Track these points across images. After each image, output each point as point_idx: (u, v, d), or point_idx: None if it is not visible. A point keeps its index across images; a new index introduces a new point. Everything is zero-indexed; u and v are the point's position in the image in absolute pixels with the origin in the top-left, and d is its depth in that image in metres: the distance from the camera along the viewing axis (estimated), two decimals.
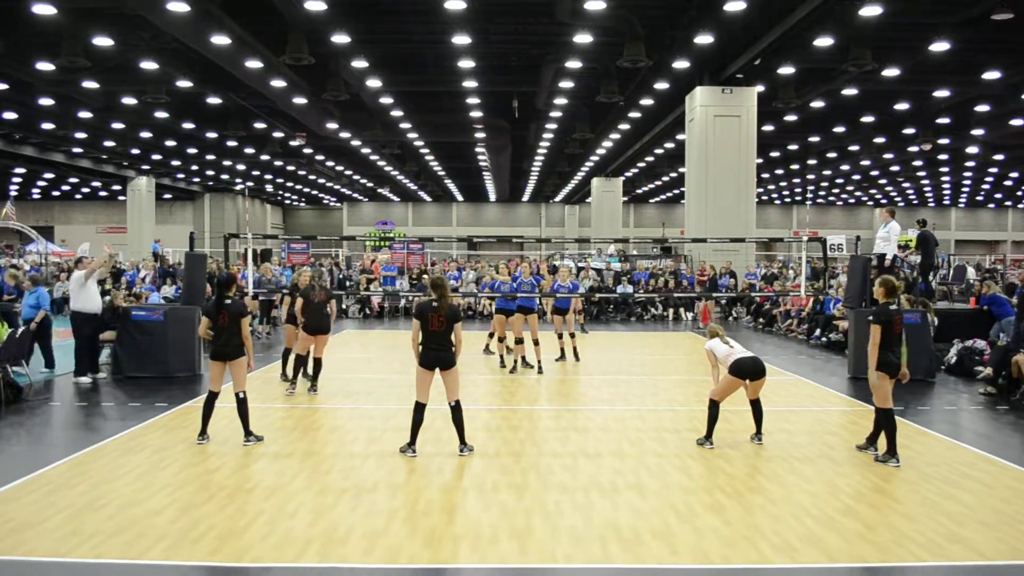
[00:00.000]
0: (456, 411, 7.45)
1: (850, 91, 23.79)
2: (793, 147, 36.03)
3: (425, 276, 23.59)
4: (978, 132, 29.27)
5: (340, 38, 18.18)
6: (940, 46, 18.19)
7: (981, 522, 5.76)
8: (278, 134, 31.84)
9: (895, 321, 7.34)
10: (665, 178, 45.59)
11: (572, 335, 13.84)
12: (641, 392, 11.01)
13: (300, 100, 23.61)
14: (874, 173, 44.23)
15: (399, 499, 6.21)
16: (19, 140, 32.96)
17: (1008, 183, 49.53)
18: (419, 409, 7.41)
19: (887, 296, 7.48)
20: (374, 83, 22.66)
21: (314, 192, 57.69)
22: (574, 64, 20.66)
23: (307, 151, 36.85)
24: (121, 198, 48.94)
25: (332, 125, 28.45)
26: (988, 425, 9.19)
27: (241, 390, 7.83)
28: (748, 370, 7.76)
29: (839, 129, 31.05)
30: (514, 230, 58.94)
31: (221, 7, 16.22)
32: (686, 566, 4.98)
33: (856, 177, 46.57)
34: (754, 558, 5.08)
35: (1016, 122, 27.89)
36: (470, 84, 23.12)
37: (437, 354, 7.35)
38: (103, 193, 52.81)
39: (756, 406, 8.08)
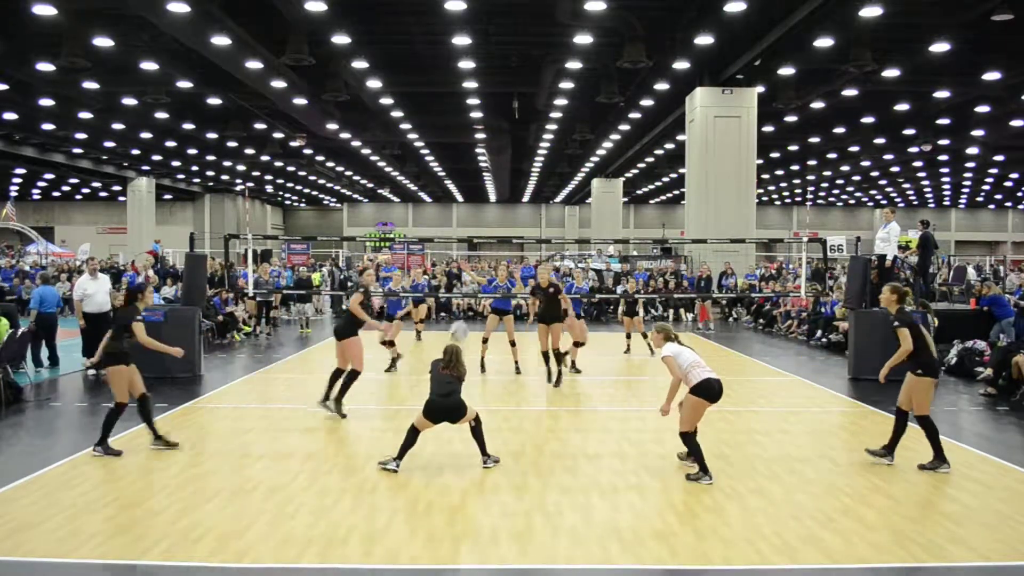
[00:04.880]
0: (475, 428, 7.07)
1: (850, 92, 23.79)
2: (793, 148, 36.03)
3: (425, 275, 23.58)
4: (978, 133, 29.29)
5: (340, 38, 18.19)
6: (940, 47, 18.20)
7: (981, 523, 5.76)
8: (278, 135, 31.85)
9: (917, 324, 7.13)
10: (665, 179, 45.61)
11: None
12: (641, 392, 11.00)
13: (300, 100, 23.62)
14: (874, 174, 44.26)
15: (399, 500, 6.20)
16: (19, 141, 32.98)
17: (1008, 184, 49.56)
18: (414, 432, 6.95)
19: (900, 302, 7.24)
20: (374, 84, 22.67)
21: (314, 193, 57.70)
22: (574, 65, 20.67)
23: (307, 152, 36.86)
24: (121, 199, 48.97)
25: (332, 126, 28.46)
26: (988, 426, 9.18)
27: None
28: (717, 393, 6.67)
29: (839, 130, 31.06)
30: (514, 231, 58.95)
31: (221, 7, 16.22)
32: (686, 567, 4.98)
33: (856, 178, 46.61)
34: (754, 559, 5.08)
35: (1016, 123, 27.91)
36: (470, 85, 23.12)
37: (445, 400, 6.84)
38: (103, 194, 52.82)
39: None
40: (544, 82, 22.62)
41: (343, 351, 9.07)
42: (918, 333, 7.04)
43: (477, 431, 7.07)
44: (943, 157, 37.51)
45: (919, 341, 7.00)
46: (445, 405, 6.85)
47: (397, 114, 27.51)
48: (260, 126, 29.87)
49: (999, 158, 37.05)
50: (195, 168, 43.21)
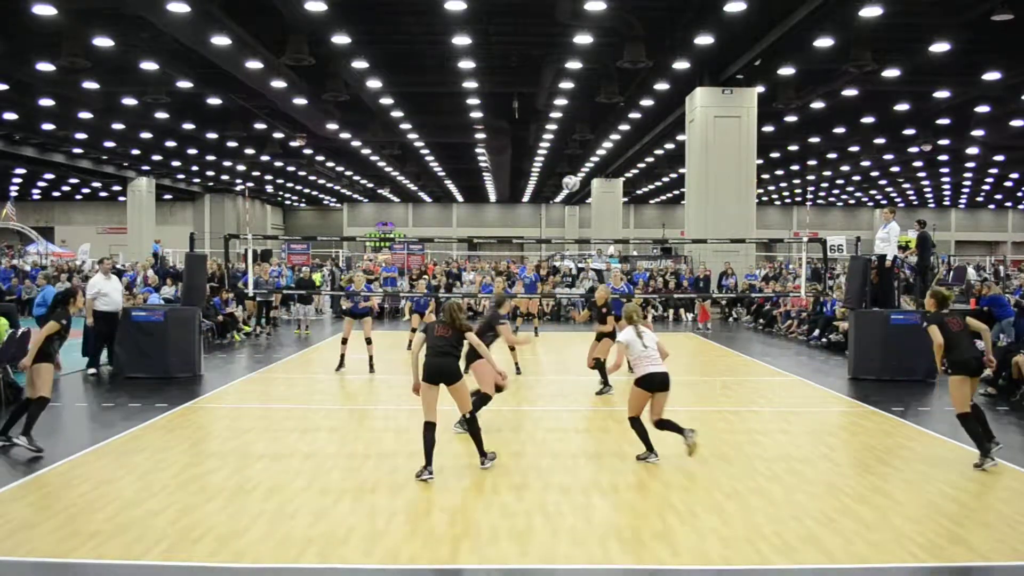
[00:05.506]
0: (471, 424, 7.03)
1: (850, 92, 23.80)
2: (793, 148, 36.04)
3: (425, 276, 23.59)
4: (978, 133, 29.29)
5: (340, 38, 18.19)
6: (940, 47, 18.20)
7: (981, 523, 5.76)
8: (278, 135, 31.85)
9: (948, 323, 7.32)
10: (665, 179, 45.62)
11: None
12: None
13: (300, 101, 23.62)
14: (874, 174, 44.26)
15: (399, 500, 6.21)
16: (19, 141, 32.99)
17: (1008, 184, 49.56)
18: (429, 429, 6.78)
19: (936, 306, 7.55)
20: (374, 84, 22.67)
21: (314, 193, 57.71)
22: (574, 65, 20.66)
23: (307, 152, 36.87)
24: (121, 199, 48.97)
25: (332, 126, 28.46)
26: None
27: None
28: (656, 385, 7.06)
29: (839, 130, 31.07)
30: (514, 231, 58.96)
31: (221, 7, 16.22)
32: (686, 567, 4.98)
33: (856, 178, 46.62)
34: (754, 559, 5.08)
35: (1016, 123, 27.92)
36: (470, 85, 23.13)
37: (440, 360, 6.82)
38: (103, 194, 52.83)
39: (664, 425, 7.16)
40: (544, 82, 22.62)
41: (478, 377, 8.40)
42: (947, 331, 7.25)
43: (473, 428, 7.02)
44: (943, 157, 37.51)
45: (949, 339, 7.21)
46: (439, 365, 6.78)
47: (397, 114, 27.51)
48: (260, 126, 29.88)
49: (999, 158, 37.04)
50: (195, 168, 43.21)
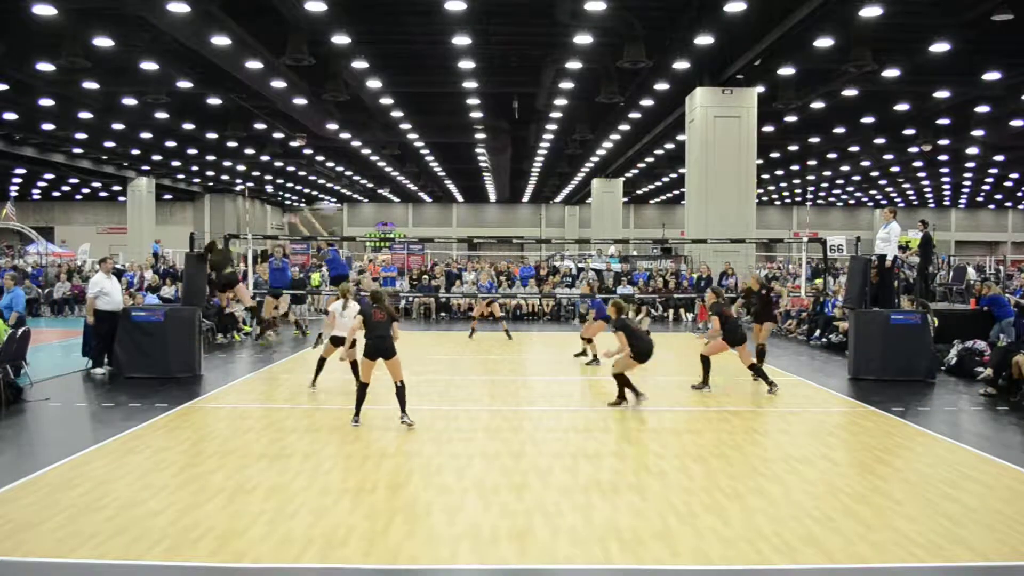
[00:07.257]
0: (400, 390, 8.65)
1: (850, 92, 23.79)
2: (793, 148, 36.03)
3: (425, 276, 23.62)
4: (978, 133, 29.28)
5: (340, 38, 18.19)
6: (940, 47, 18.20)
7: (981, 523, 5.75)
8: (278, 135, 31.84)
9: (629, 326, 9.67)
10: (665, 179, 45.62)
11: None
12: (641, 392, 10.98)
13: (300, 101, 23.62)
14: (874, 174, 44.26)
15: (399, 500, 6.21)
16: (19, 141, 32.97)
17: (1008, 184, 49.56)
18: (362, 388, 8.67)
19: (618, 314, 9.68)
20: (374, 84, 22.67)
21: (314, 193, 57.68)
22: (574, 65, 20.66)
23: (307, 152, 36.85)
24: (121, 199, 48.95)
25: (332, 126, 28.46)
26: (988, 426, 9.18)
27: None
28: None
29: (839, 130, 31.06)
30: (514, 231, 58.96)
31: (221, 7, 16.22)
32: (686, 567, 4.98)
33: (856, 178, 46.62)
34: (754, 559, 5.08)
35: (1016, 123, 27.91)
36: (470, 85, 23.12)
37: (381, 342, 8.45)
38: (103, 194, 52.81)
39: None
40: (544, 82, 22.61)
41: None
42: (629, 332, 9.54)
43: (401, 393, 8.64)
44: (943, 157, 37.50)
45: (630, 339, 9.49)
46: (379, 346, 8.44)
47: (397, 114, 27.50)
48: (260, 126, 29.87)
49: (999, 158, 37.04)
50: (195, 168, 43.19)
